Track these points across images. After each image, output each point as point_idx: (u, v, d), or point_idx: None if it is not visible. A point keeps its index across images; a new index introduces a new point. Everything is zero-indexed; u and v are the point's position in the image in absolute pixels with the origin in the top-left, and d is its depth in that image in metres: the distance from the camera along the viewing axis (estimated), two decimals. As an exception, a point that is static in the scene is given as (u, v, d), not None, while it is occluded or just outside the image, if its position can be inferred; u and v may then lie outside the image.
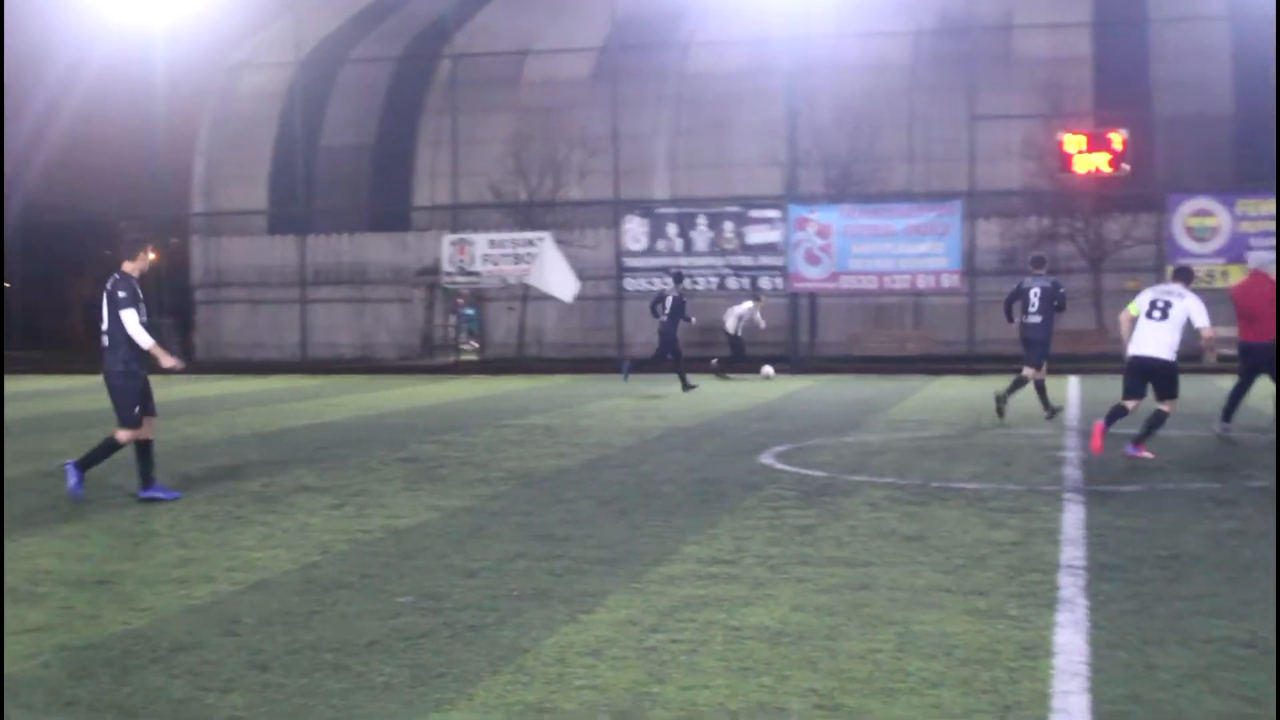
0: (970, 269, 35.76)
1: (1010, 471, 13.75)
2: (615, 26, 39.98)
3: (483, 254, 37.63)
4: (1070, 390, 26.00)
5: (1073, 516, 10.76)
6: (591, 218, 39.87)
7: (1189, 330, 15.30)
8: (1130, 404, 15.31)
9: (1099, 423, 15.13)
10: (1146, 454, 14.77)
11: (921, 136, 39.41)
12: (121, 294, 11.99)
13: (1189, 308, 15.23)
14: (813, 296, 37.53)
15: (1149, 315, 15.32)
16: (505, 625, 7.39)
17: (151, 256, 12.72)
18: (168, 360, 12.32)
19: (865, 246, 35.29)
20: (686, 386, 26.74)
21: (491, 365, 38.87)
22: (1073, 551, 9.28)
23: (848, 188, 37.84)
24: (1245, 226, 33.14)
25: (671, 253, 36.83)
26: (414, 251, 43.38)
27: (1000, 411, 19.38)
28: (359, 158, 44.78)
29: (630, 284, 37.36)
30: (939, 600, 7.88)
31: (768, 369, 31.88)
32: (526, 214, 39.87)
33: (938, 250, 34.81)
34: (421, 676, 6.44)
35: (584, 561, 9.16)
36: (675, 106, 42.08)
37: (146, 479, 12.34)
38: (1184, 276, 16.25)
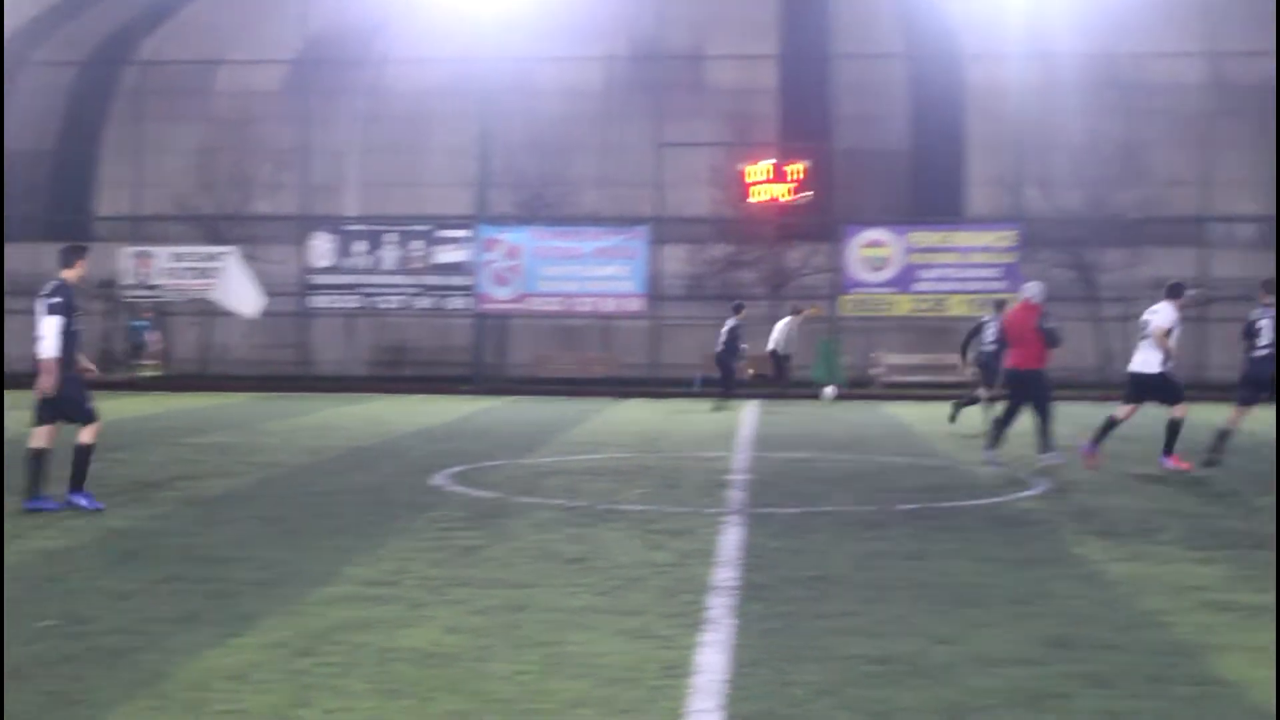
0: (656, 293, 36.42)
1: (677, 494, 14.08)
2: (308, 41, 39.52)
3: (165, 268, 36.76)
4: (747, 415, 26.67)
5: (731, 538, 11.07)
6: (279, 233, 39.25)
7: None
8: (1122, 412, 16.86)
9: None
10: (1182, 465, 16.24)
11: (613, 161, 39.90)
12: (54, 300, 12.21)
13: (1159, 320, 16.46)
14: (501, 317, 37.71)
15: (1141, 336, 16.72)
16: (151, 650, 7.26)
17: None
18: (46, 382, 12.26)
19: (553, 269, 35.68)
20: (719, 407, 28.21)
21: (173, 382, 37.88)
22: (726, 572, 9.56)
23: (538, 210, 38.13)
24: (915, 258, 34.58)
25: (359, 270, 36.58)
26: (94, 263, 41.98)
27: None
28: (37, 164, 43.15)
29: (317, 301, 36.95)
30: (592, 621, 8.03)
31: (829, 391, 31.38)
32: (212, 228, 39.06)
33: (624, 274, 35.41)
34: (56, 703, 6.29)
35: (242, 584, 9.06)
36: (368, 123, 41.74)
37: (34, 490, 12.34)
38: (1171, 293, 16.89)
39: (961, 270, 34.53)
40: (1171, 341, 16.49)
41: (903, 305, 34.45)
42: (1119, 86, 36.39)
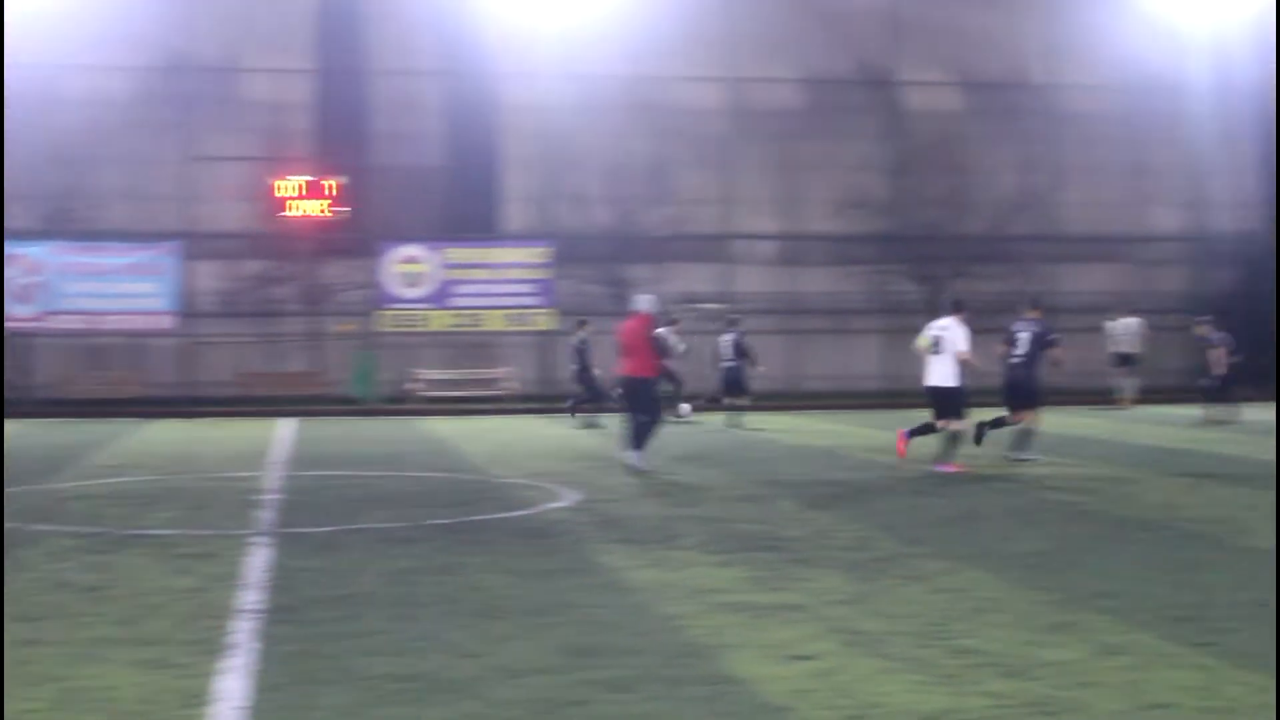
0: (188, 310, 35.45)
1: (205, 516, 13.73)
2: None
3: None
4: (286, 431, 26.25)
5: (258, 560, 10.87)
6: None
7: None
8: (939, 423, 18.15)
9: (900, 431, 18.48)
10: (954, 469, 17.54)
11: (142, 175, 38.55)
12: None
13: (955, 338, 17.88)
14: (23, 336, 35.91)
15: (933, 350, 18.06)
16: None
17: None
18: None
19: (79, 285, 34.27)
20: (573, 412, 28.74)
21: None
22: (252, 595, 9.38)
23: (62, 224, 36.50)
24: (451, 274, 34.85)
25: None
26: None
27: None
28: None
29: None
30: (108, 653, 7.75)
31: (685, 408, 29.90)
32: None
33: (153, 291, 34.32)
34: None
35: None
36: None
37: None
38: (955, 309, 18.35)
39: (497, 286, 35.01)
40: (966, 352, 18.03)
41: (439, 320, 34.62)
42: (647, 108, 37.61)
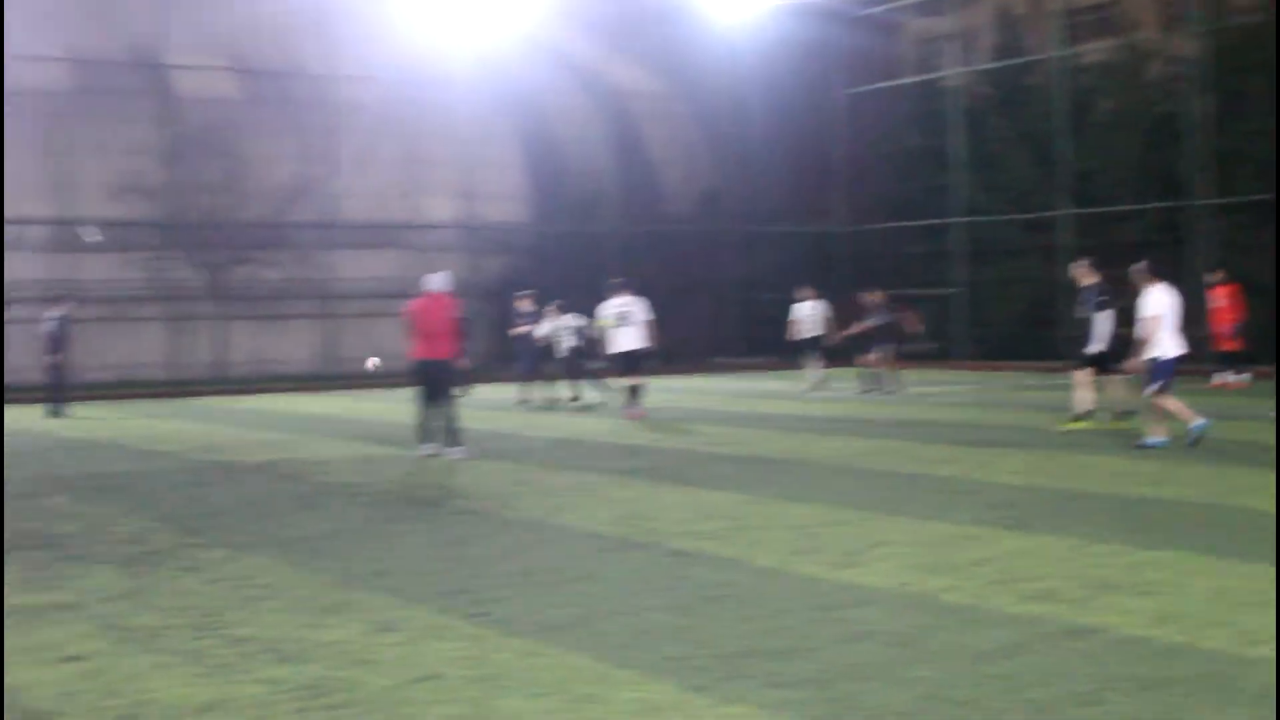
0: None
1: None
2: None
3: None
4: None
5: None
6: None
7: None
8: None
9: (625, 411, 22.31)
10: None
11: None
12: None
13: (638, 310, 22.44)
14: None
15: (619, 324, 22.42)
16: None
17: None
18: None
19: None
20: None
21: None
22: None
23: None
24: None
25: None
26: None
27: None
28: None
29: None
30: None
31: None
32: None
33: None
34: None
35: None
36: None
37: None
38: (628, 288, 22.59)
39: None
40: None
41: None
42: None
